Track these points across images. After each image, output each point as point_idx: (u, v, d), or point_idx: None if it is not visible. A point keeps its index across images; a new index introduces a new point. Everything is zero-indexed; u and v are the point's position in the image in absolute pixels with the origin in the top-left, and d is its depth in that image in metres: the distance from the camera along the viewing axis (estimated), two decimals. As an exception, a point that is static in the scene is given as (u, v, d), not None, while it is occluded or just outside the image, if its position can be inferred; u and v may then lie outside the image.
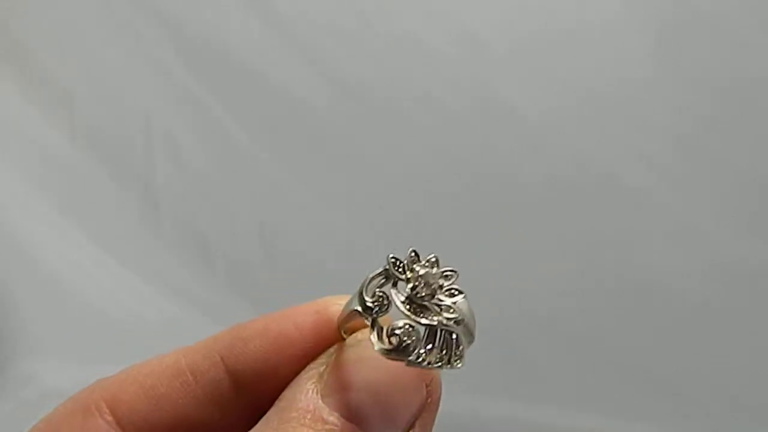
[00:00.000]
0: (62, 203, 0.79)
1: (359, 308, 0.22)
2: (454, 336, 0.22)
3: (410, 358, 0.21)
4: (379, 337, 0.21)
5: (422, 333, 0.21)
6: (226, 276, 0.87)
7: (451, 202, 0.79)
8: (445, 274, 0.22)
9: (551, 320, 0.76)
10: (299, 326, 0.25)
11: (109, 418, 0.25)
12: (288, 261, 0.84)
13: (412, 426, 0.22)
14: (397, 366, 0.21)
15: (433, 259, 0.22)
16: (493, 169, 0.79)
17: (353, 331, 0.23)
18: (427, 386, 0.22)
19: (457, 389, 0.71)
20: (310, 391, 0.22)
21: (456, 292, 0.22)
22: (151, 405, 0.25)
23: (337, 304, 0.25)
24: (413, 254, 0.22)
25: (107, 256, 0.79)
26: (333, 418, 0.21)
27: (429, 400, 0.22)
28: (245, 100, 0.82)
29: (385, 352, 0.21)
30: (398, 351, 0.21)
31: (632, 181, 0.75)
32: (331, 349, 0.24)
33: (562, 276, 0.76)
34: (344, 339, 0.23)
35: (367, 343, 0.22)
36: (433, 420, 0.23)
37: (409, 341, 0.21)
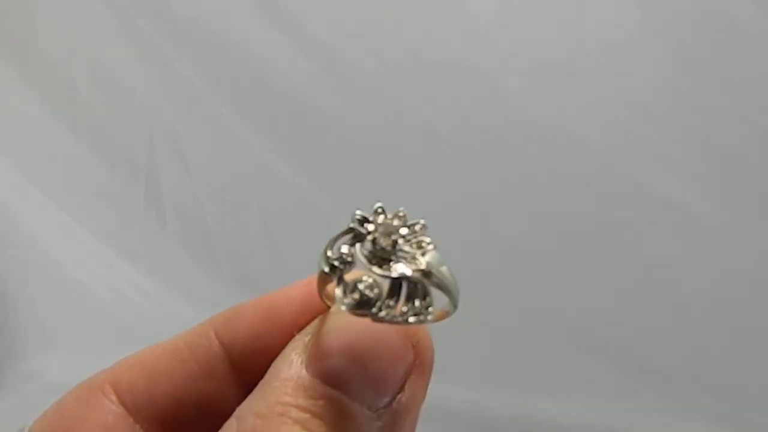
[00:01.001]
0: (66, 200, 0.80)
1: (325, 268, 0.21)
2: (419, 287, 0.21)
3: (373, 311, 0.20)
4: (345, 294, 0.21)
5: (386, 286, 0.21)
6: (231, 272, 0.87)
7: (467, 208, 0.78)
8: (410, 225, 0.22)
9: (555, 316, 0.75)
10: (289, 299, 0.25)
11: (113, 398, 0.26)
12: (293, 258, 0.84)
13: (401, 389, 0.22)
14: (378, 328, 0.21)
15: (401, 213, 0.22)
16: (508, 172, 0.78)
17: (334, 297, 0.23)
18: (414, 346, 0.22)
19: (462, 384, 0.72)
20: (294, 361, 0.22)
21: (424, 244, 0.22)
22: (151, 383, 0.26)
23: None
24: (379, 209, 0.22)
25: (111, 252, 0.80)
26: (315, 385, 0.21)
27: (417, 361, 0.22)
28: (250, 97, 0.82)
29: (349, 307, 0.21)
30: (361, 305, 0.20)
31: (662, 189, 0.74)
32: (316, 320, 0.24)
33: (568, 272, 0.76)
34: (329, 308, 0.24)
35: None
36: (427, 383, 0.22)
37: (371, 294, 0.20)
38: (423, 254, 0.21)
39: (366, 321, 0.21)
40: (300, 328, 0.24)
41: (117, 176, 0.80)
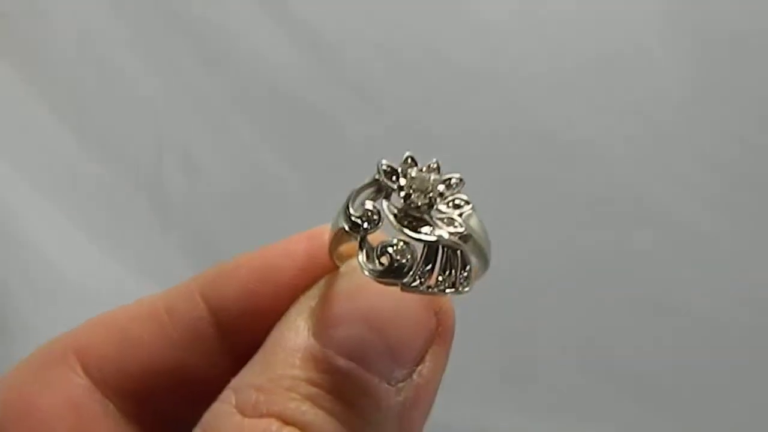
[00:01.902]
0: (71, 210, 0.76)
1: (345, 225, 0.18)
2: (459, 254, 0.18)
3: (404, 281, 0.17)
4: (369, 258, 0.18)
5: (420, 251, 0.18)
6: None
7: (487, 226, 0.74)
8: (446, 180, 0.18)
9: (565, 336, 0.73)
10: (290, 254, 0.22)
11: (78, 369, 0.22)
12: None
13: (421, 360, 0.19)
14: (398, 293, 0.18)
15: (435, 165, 0.19)
16: (528, 189, 0.75)
17: (348, 257, 0.20)
18: (436, 313, 0.19)
19: (468, 403, 0.71)
20: (300, 328, 0.19)
21: (462, 203, 0.18)
22: (123, 350, 0.22)
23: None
24: (409, 159, 0.18)
25: (117, 261, 0.76)
26: (327, 356, 0.18)
27: (440, 329, 0.19)
28: (259, 105, 0.78)
29: (376, 274, 0.17)
30: (390, 272, 0.17)
31: (667, 202, 0.72)
32: (323, 281, 0.20)
33: (578, 291, 0.73)
34: (338, 267, 0.20)
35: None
36: (448, 353, 0.19)
37: (403, 261, 0.17)
38: (461, 215, 0.18)
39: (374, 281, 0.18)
40: (303, 290, 0.20)
41: (123, 188, 0.76)
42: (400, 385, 0.18)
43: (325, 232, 0.22)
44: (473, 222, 0.18)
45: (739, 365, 0.68)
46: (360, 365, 0.18)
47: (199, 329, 0.22)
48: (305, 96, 0.76)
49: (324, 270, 0.21)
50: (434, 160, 0.19)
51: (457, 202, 0.18)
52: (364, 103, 0.76)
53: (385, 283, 0.17)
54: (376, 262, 0.17)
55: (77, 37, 0.78)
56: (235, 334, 0.22)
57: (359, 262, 0.18)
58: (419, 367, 0.19)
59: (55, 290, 0.71)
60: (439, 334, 0.19)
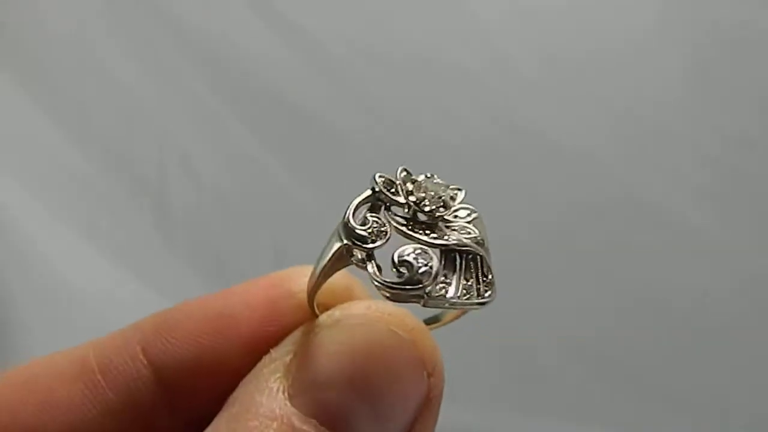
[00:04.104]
0: (75, 217, 0.73)
1: (347, 242, 0.16)
2: (479, 259, 0.16)
3: (429, 290, 0.16)
4: (381, 271, 0.16)
5: (437, 259, 0.16)
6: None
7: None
8: (452, 187, 0.18)
9: (565, 336, 0.73)
10: (249, 303, 0.19)
11: None
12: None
13: (411, 429, 0.16)
14: (386, 348, 0.16)
15: (429, 175, 0.18)
16: (523, 191, 0.76)
17: (329, 306, 0.17)
18: (429, 375, 0.17)
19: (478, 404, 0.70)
20: (274, 390, 0.16)
21: (468, 211, 0.17)
22: (43, 414, 0.18)
23: (302, 275, 0.19)
24: (405, 171, 0.17)
25: (119, 268, 0.72)
26: (309, 426, 0.15)
27: (431, 394, 0.17)
28: (263, 116, 0.77)
29: (393, 288, 0.16)
30: (412, 284, 0.16)
31: (661, 201, 0.73)
32: (299, 332, 0.17)
33: (587, 294, 0.73)
34: (316, 317, 0.17)
35: (349, 323, 0.16)
36: (436, 420, 0.17)
37: (426, 268, 0.16)
38: (470, 222, 0.17)
39: (371, 337, 0.16)
40: (265, 344, 0.18)
41: (126, 195, 0.74)
42: None
43: (289, 276, 0.19)
44: (482, 229, 0.17)
45: (739, 365, 0.69)
46: None
47: (139, 389, 0.19)
48: (305, 103, 0.76)
49: (290, 321, 0.18)
50: (429, 173, 0.18)
51: (462, 211, 0.18)
52: (365, 108, 0.76)
53: (402, 298, 0.16)
54: (394, 272, 0.16)
55: (76, 46, 0.77)
56: (183, 395, 0.19)
57: (372, 277, 0.16)
58: None
59: (58, 296, 0.68)
60: (429, 399, 0.17)
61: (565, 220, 0.73)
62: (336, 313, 0.17)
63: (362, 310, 0.16)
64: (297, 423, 0.15)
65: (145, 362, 0.19)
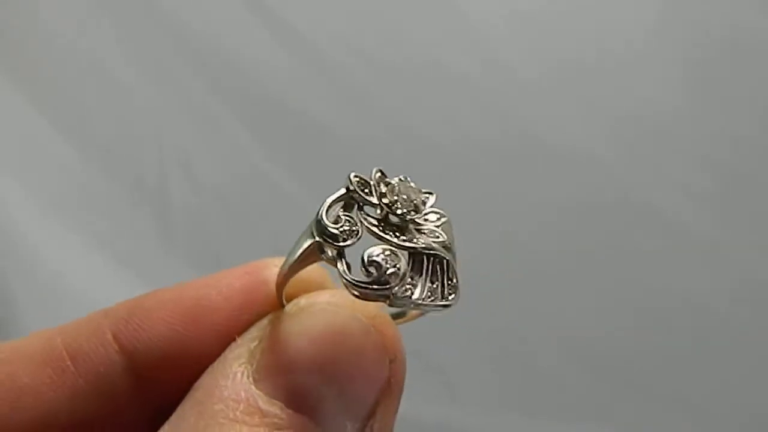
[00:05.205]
0: (75, 218, 0.73)
1: (318, 239, 0.17)
2: (445, 264, 0.17)
3: (395, 290, 0.16)
4: (350, 270, 0.16)
5: (405, 261, 0.17)
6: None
7: (464, 219, 0.72)
8: (424, 192, 0.18)
9: (564, 336, 0.73)
10: (223, 292, 0.19)
11: None
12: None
13: (373, 414, 0.17)
14: (354, 336, 0.16)
15: (404, 177, 0.18)
16: (522, 194, 0.76)
17: (295, 296, 0.18)
18: (390, 362, 0.17)
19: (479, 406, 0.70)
20: (239, 375, 0.16)
21: (438, 216, 0.18)
22: (10, 402, 0.18)
23: (274, 265, 0.19)
24: (379, 173, 0.18)
25: (121, 271, 0.72)
26: (275, 408, 0.15)
27: (393, 380, 0.17)
28: (262, 118, 0.77)
29: (361, 287, 0.16)
30: (379, 284, 0.16)
31: (660, 203, 0.73)
32: (265, 320, 0.18)
33: (587, 296, 0.73)
34: (283, 306, 0.18)
35: (314, 309, 0.17)
36: (396, 408, 0.17)
37: (394, 269, 0.16)
38: (439, 226, 0.17)
39: (335, 320, 0.16)
40: (239, 332, 0.18)
41: (126, 196, 0.74)
42: None
43: (262, 266, 0.19)
44: (450, 233, 0.18)
45: (739, 365, 0.69)
46: (310, 416, 0.15)
47: (110, 376, 0.19)
48: (304, 105, 0.76)
49: (263, 310, 0.18)
50: (402, 175, 0.18)
51: (432, 215, 0.18)
52: (364, 110, 0.76)
53: (371, 297, 0.16)
54: (363, 271, 0.16)
55: (76, 48, 0.77)
56: (154, 383, 0.19)
57: (341, 274, 0.16)
58: (370, 422, 0.17)
59: (58, 297, 0.68)
60: (390, 385, 0.17)
61: (564, 222, 0.73)
62: (301, 301, 0.17)
63: (327, 298, 0.17)
64: (262, 405, 0.15)
65: (117, 348, 0.19)
